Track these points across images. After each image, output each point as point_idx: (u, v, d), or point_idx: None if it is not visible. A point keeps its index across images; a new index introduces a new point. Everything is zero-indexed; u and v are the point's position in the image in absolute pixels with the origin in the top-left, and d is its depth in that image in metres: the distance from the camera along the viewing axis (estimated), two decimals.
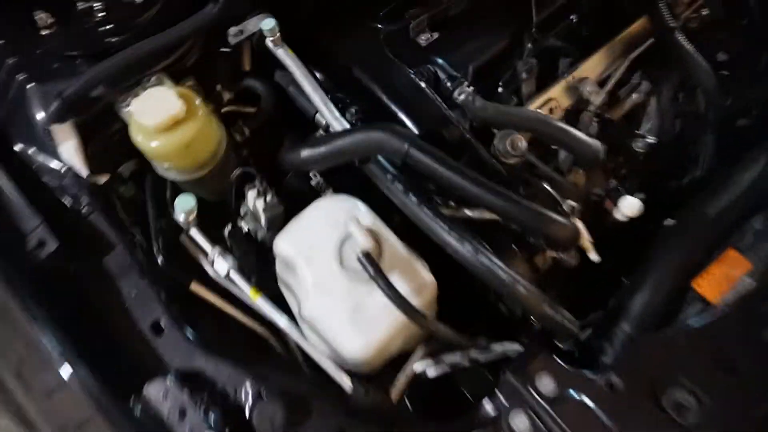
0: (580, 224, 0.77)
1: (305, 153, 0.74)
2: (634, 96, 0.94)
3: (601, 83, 0.89)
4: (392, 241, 0.75)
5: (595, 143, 0.80)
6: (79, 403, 0.64)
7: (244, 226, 0.87)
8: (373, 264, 0.68)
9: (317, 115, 0.83)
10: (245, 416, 0.67)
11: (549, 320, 0.69)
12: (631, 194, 0.92)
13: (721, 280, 0.82)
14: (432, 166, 0.69)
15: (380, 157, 0.74)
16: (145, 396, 0.66)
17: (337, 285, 0.72)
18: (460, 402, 0.91)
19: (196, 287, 0.79)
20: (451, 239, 0.66)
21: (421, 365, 0.83)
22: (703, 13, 0.95)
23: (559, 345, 0.81)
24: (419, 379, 0.83)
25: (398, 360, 0.80)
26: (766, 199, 0.83)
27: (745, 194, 0.85)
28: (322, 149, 0.73)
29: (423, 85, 0.80)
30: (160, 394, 0.66)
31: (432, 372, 0.84)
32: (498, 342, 0.84)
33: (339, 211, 0.75)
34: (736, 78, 0.96)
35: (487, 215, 0.75)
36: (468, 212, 0.76)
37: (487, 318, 0.89)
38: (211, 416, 0.65)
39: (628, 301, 0.82)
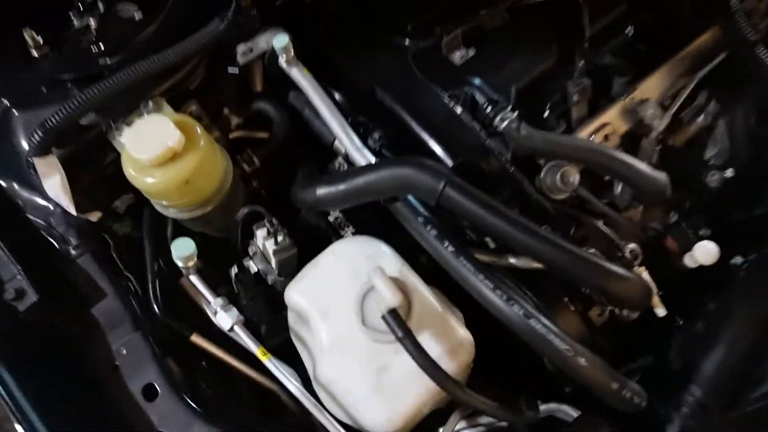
0: (647, 277, 0.65)
1: (322, 191, 0.63)
2: (700, 119, 0.82)
3: (664, 105, 0.77)
4: (423, 293, 0.64)
5: (661, 176, 0.68)
6: None
7: (253, 266, 0.77)
8: (400, 324, 0.58)
9: (335, 142, 0.73)
10: None
11: (614, 396, 0.57)
12: (697, 230, 0.80)
13: None
14: (472, 210, 0.58)
15: (408, 196, 0.63)
16: None
17: (358, 345, 0.62)
18: None
19: (197, 339, 0.70)
20: (495, 299, 0.55)
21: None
22: None
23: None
24: None
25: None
26: None
27: None
28: (341, 187, 0.62)
29: (458, 110, 0.69)
30: None
31: None
32: (543, 403, 0.73)
33: (360, 257, 0.65)
34: None
35: (536, 264, 0.64)
36: (512, 260, 0.64)
37: (525, 369, 0.78)
38: None
39: (699, 360, 0.70)
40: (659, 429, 0.71)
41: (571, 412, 0.69)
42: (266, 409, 0.70)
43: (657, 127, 0.74)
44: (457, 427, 0.72)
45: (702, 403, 0.69)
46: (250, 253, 0.76)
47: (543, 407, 0.72)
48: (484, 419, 0.73)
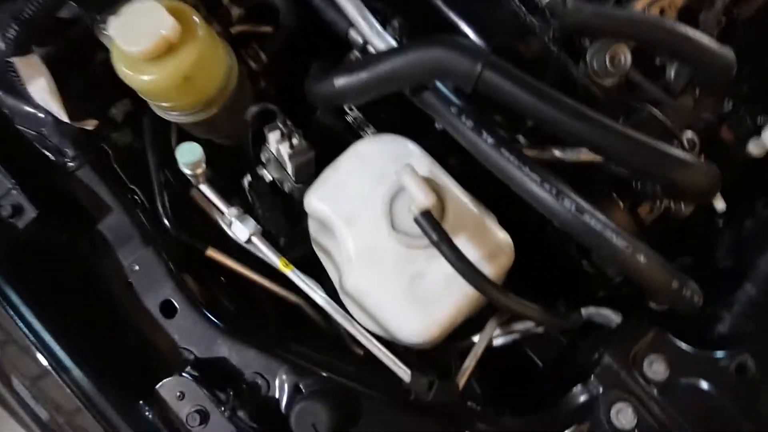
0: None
1: (341, 81, 0.55)
2: None
3: None
4: (457, 194, 0.58)
5: (728, 52, 0.59)
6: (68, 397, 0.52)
7: (267, 174, 0.71)
8: (435, 226, 0.52)
9: (351, 30, 0.64)
10: (280, 412, 0.55)
11: (674, 295, 0.52)
12: (756, 120, 0.72)
13: None
14: (516, 94, 0.50)
15: (438, 84, 0.55)
16: (159, 397, 0.53)
17: (388, 252, 0.56)
18: (527, 369, 0.78)
19: (213, 253, 0.65)
20: (544, 193, 0.49)
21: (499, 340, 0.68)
22: None
23: (654, 308, 0.65)
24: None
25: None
26: None
27: None
28: (363, 75, 0.54)
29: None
30: (176, 394, 0.53)
31: (500, 341, 0.70)
32: (583, 307, 0.69)
33: (386, 157, 0.58)
34: None
35: (585, 157, 0.57)
36: (558, 153, 0.57)
37: (562, 274, 0.73)
38: (239, 419, 0.53)
39: (753, 257, 0.65)
40: (709, 329, 0.67)
41: (612, 316, 0.65)
42: (291, 324, 0.67)
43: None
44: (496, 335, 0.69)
45: (756, 301, 0.65)
46: (264, 160, 0.70)
47: (583, 311, 0.68)
48: (520, 326, 0.70)
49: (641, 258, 0.48)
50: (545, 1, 0.58)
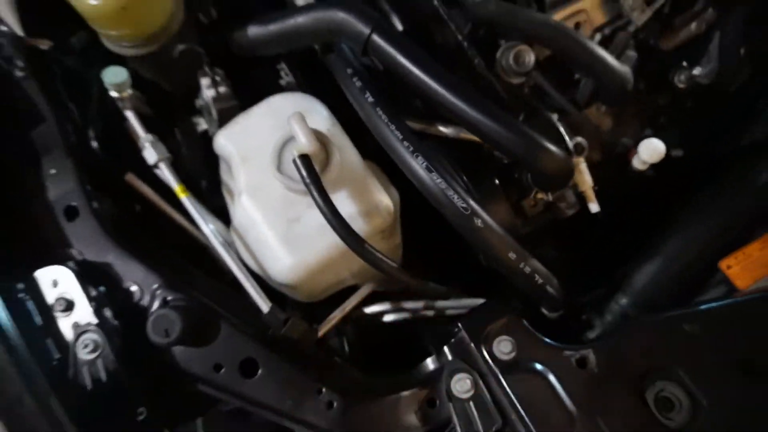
0: (582, 164, 0.62)
1: (254, 31, 0.61)
2: (693, 25, 0.75)
3: (648, 1, 0.71)
4: (349, 153, 0.63)
5: (624, 69, 0.64)
6: None
7: (202, 124, 0.77)
8: (310, 170, 0.56)
9: None
10: (143, 321, 0.58)
11: (513, 269, 0.55)
12: (668, 147, 0.76)
13: (757, 265, 0.66)
14: (397, 59, 0.55)
15: (345, 47, 0.61)
16: (35, 279, 0.58)
17: (272, 192, 0.61)
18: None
19: (131, 178, 0.71)
20: (406, 154, 0.53)
21: (376, 308, 0.72)
22: None
23: (547, 314, 0.67)
24: (372, 322, 0.72)
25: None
26: None
27: None
28: (272, 27, 0.60)
29: None
30: (51, 280, 0.58)
31: (389, 317, 0.73)
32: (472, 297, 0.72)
33: (291, 110, 0.63)
34: None
35: (465, 135, 0.61)
36: (442, 128, 0.62)
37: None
38: (103, 313, 0.57)
39: (633, 272, 0.67)
40: (581, 333, 0.69)
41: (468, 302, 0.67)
42: (188, 254, 0.71)
43: (636, 20, 0.69)
44: (379, 308, 0.72)
45: (626, 313, 0.67)
46: (197, 107, 0.76)
47: (466, 301, 0.71)
48: (409, 305, 0.73)
49: (478, 222, 0.52)
50: None
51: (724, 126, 0.78)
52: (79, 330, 0.55)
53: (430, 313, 0.73)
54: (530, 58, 0.64)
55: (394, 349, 0.75)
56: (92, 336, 0.54)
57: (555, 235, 0.70)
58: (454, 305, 0.72)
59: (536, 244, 0.63)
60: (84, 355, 0.54)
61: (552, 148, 0.54)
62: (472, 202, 0.52)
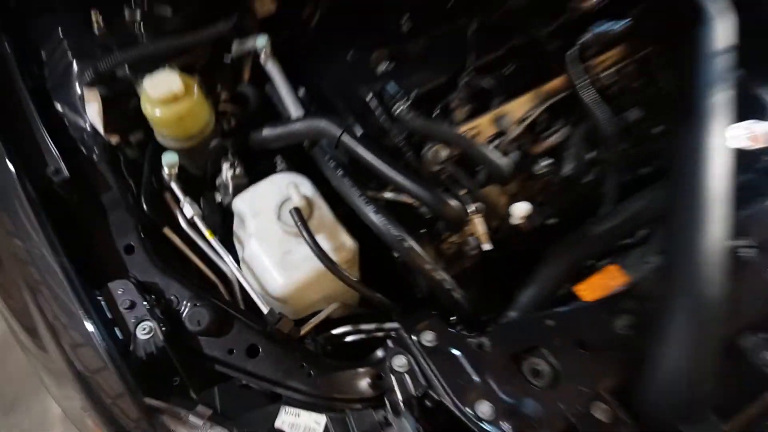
0: (476, 218, 0.95)
1: (266, 132, 0.96)
2: (553, 138, 1.14)
3: (521, 121, 1.09)
4: (324, 210, 0.94)
5: (503, 160, 0.99)
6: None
7: (217, 197, 1.08)
8: (300, 218, 0.87)
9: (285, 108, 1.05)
10: (181, 320, 0.85)
11: (433, 282, 0.85)
12: (545, 219, 1.10)
13: (598, 288, 0.97)
14: (358, 150, 0.89)
15: (324, 143, 0.95)
16: (108, 288, 0.84)
17: (273, 234, 0.91)
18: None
19: (168, 232, 0.99)
20: (362, 205, 0.86)
21: (341, 330, 0.98)
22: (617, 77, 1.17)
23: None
24: (338, 339, 0.99)
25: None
26: (641, 225, 1.00)
27: (626, 221, 1.02)
28: (278, 130, 0.94)
29: (368, 97, 1.02)
30: (119, 289, 0.84)
31: (350, 338, 0.99)
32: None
33: (287, 182, 0.96)
34: (643, 133, 1.16)
35: (404, 199, 0.94)
36: (387, 194, 0.95)
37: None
38: (154, 310, 0.83)
39: (519, 295, 0.98)
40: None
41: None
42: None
43: (510, 133, 1.06)
44: (343, 330, 0.98)
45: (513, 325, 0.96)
46: (217, 185, 1.07)
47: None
48: (365, 327, 1.00)
49: (406, 244, 0.83)
50: (397, 113, 0.99)
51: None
52: (138, 319, 0.81)
53: (380, 334, 1.00)
54: (444, 153, 0.99)
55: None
56: (147, 323, 0.80)
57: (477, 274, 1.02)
58: (395, 327, 0.99)
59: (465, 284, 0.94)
60: (141, 335, 0.79)
61: (451, 201, 0.87)
62: (403, 232, 0.83)
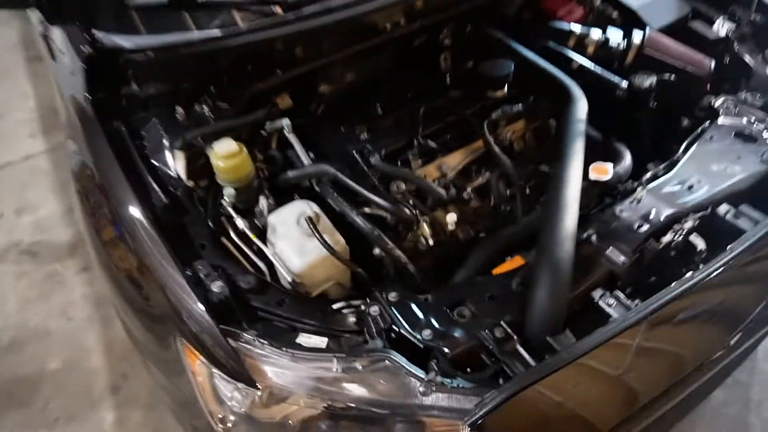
0: (424, 223, 1.49)
1: (290, 173, 1.53)
2: (479, 179, 1.70)
3: (455, 168, 1.66)
4: (326, 221, 1.48)
5: (441, 190, 1.55)
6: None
7: (256, 221, 1.62)
8: (312, 223, 1.41)
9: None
10: (236, 284, 1.35)
11: (394, 256, 1.38)
12: (476, 233, 1.64)
13: (506, 267, 1.49)
14: (347, 182, 1.45)
15: (326, 181, 1.51)
16: (193, 265, 1.35)
17: (293, 235, 1.44)
18: None
19: (224, 240, 1.52)
20: (353, 214, 1.41)
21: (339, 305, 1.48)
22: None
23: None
24: None
25: None
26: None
27: (525, 228, 1.55)
28: (297, 172, 1.52)
29: (354, 152, 1.60)
30: (199, 266, 1.35)
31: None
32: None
33: (303, 205, 1.50)
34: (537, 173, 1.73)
35: (377, 212, 1.49)
36: (366, 210, 1.49)
37: None
38: (221, 276, 1.33)
39: (455, 274, 1.49)
40: None
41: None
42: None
43: (448, 176, 1.63)
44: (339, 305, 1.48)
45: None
46: (255, 212, 1.61)
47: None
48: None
49: (376, 233, 1.36)
50: (372, 161, 1.56)
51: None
52: (211, 280, 1.31)
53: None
54: (402, 186, 1.55)
55: None
56: (218, 282, 1.30)
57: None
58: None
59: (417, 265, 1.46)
60: (215, 289, 1.29)
61: (405, 209, 1.42)
62: (375, 228, 1.37)
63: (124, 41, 1.72)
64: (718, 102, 1.80)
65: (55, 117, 4.02)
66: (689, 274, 1.29)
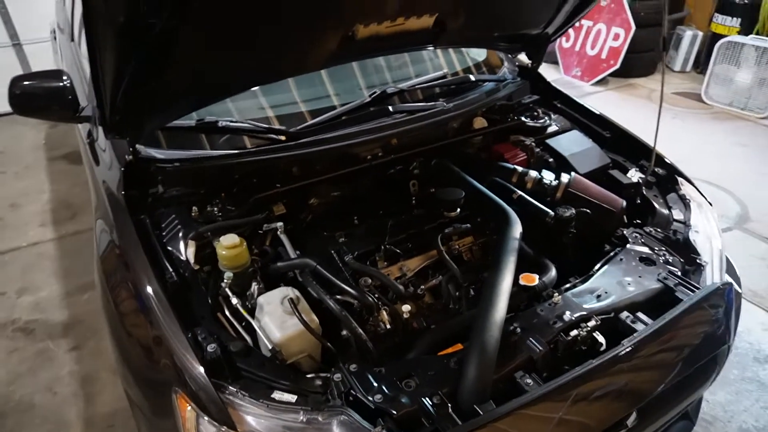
0: (384, 312, 1.84)
1: (279, 264, 1.90)
2: (433, 281, 2.08)
3: (414, 270, 2.05)
4: (305, 305, 1.82)
5: (398, 286, 1.92)
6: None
7: (248, 303, 1.95)
8: (293, 304, 1.76)
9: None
10: (227, 347, 1.65)
11: (356, 334, 1.71)
12: (428, 324, 1.98)
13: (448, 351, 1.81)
14: (324, 274, 1.83)
15: (307, 272, 1.88)
16: (193, 329, 1.66)
17: (276, 312, 1.78)
18: None
19: (219, 316, 1.85)
20: (329, 300, 1.76)
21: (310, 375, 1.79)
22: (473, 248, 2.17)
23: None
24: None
25: None
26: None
27: (465, 320, 1.91)
28: (285, 263, 1.89)
29: (332, 251, 1.99)
30: (198, 330, 1.66)
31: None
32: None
33: (287, 290, 1.85)
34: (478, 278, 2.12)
35: (346, 299, 1.84)
36: (338, 297, 1.85)
37: None
38: (212, 344, 1.65)
39: (408, 353, 1.82)
40: None
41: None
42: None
43: (408, 275, 2.01)
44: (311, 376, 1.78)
45: None
46: (247, 295, 1.95)
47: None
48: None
49: (344, 313, 1.71)
50: (345, 259, 1.95)
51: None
52: (207, 342, 1.62)
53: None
54: (368, 281, 1.92)
55: None
56: (212, 344, 1.61)
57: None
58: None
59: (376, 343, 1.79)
60: (209, 350, 1.60)
61: (369, 299, 1.77)
62: (344, 311, 1.71)
63: (157, 153, 2.18)
64: (627, 232, 2.25)
65: (65, 210, 4.43)
66: (590, 361, 1.63)
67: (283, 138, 2.27)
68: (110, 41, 1.48)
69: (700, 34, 7.74)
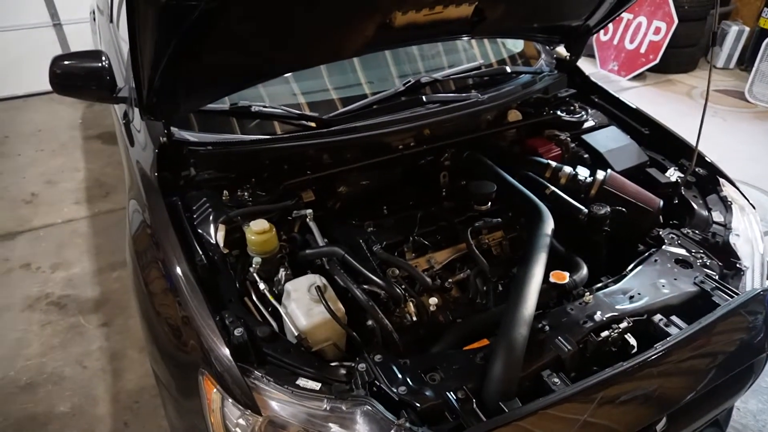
0: (411, 304, 1.82)
1: (307, 252, 1.90)
2: (461, 274, 2.06)
3: (442, 263, 2.03)
4: (332, 293, 1.82)
5: (426, 278, 1.90)
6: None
7: (275, 288, 1.96)
8: (320, 292, 1.75)
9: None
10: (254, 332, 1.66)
11: (384, 325, 1.70)
12: (455, 318, 1.96)
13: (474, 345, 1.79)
14: (352, 263, 1.82)
15: (335, 260, 1.88)
16: (221, 313, 1.68)
17: (304, 299, 1.78)
18: None
19: (246, 300, 1.86)
20: (355, 289, 1.75)
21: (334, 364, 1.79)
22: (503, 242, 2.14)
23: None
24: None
25: None
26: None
27: (491, 318, 1.88)
28: (313, 251, 1.88)
29: (360, 240, 1.98)
30: (226, 314, 1.68)
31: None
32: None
33: (314, 278, 1.85)
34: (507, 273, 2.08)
35: (373, 288, 1.83)
36: (364, 286, 1.84)
37: None
38: (239, 328, 1.65)
39: (434, 346, 1.80)
40: None
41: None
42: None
43: (435, 268, 1.99)
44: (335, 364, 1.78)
45: None
46: (275, 281, 1.96)
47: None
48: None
49: (370, 303, 1.70)
50: (374, 249, 1.94)
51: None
52: (234, 326, 1.63)
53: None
54: (397, 272, 1.91)
55: None
56: (239, 329, 1.62)
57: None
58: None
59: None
60: (236, 334, 1.61)
61: (397, 290, 1.76)
62: (370, 300, 1.70)
63: (190, 136, 2.19)
64: (663, 233, 2.18)
65: (98, 189, 4.53)
66: (620, 363, 1.59)
67: (313, 125, 2.26)
68: (151, 23, 1.48)
69: (747, 29, 7.46)
